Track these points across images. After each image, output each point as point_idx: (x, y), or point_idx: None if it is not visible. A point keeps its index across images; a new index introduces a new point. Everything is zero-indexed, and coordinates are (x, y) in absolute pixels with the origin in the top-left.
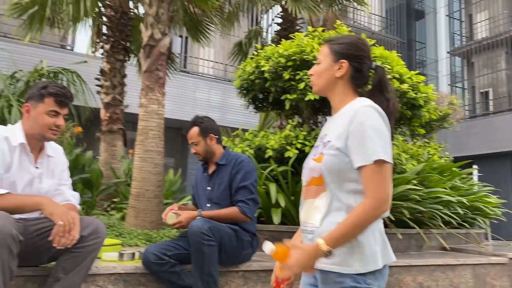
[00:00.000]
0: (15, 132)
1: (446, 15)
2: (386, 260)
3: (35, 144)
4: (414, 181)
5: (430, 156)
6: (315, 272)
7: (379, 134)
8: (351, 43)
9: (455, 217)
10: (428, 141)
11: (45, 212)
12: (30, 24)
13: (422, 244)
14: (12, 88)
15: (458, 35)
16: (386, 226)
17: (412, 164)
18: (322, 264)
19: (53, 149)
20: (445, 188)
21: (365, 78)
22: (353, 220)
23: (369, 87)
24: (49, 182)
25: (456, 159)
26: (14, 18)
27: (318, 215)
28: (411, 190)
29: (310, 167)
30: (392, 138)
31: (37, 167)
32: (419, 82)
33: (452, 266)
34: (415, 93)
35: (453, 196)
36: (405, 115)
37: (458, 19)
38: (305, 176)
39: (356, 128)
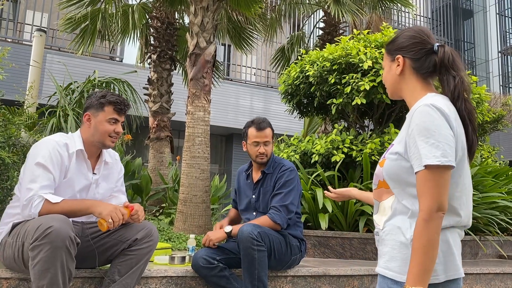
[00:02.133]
0: (74, 139)
1: (497, 13)
2: (451, 274)
3: (93, 151)
4: None
5: (483, 159)
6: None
7: (435, 136)
8: (401, 35)
9: None
10: (481, 144)
11: (95, 213)
12: (82, 38)
13: (478, 251)
14: (67, 98)
15: (511, 33)
16: None
17: None
18: (380, 267)
19: (111, 155)
20: (502, 193)
21: (428, 64)
22: (416, 244)
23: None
24: (105, 187)
25: (511, 163)
26: (68, 33)
27: (384, 218)
28: None
29: (375, 172)
30: (471, 117)
31: (94, 173)
32: (471, 83)
33: None
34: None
35: (511, 201)
36: None
37: (510, 17)
38: (374, 180)
39: (412, 131)
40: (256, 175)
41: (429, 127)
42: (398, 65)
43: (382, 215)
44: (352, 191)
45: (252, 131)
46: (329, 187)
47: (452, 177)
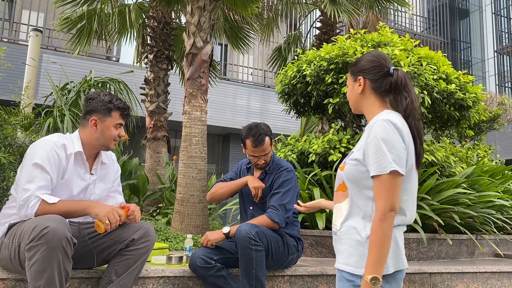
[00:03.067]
0: (72, 141)
1: (493, 13)
2: (398, 266)
3: (92, 152)
4: (464, 185)
5: (479, 158)
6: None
7: (389, 147)
8: (363, 59)
9: (510, 222)
10: (477, 143)
11: (91, 214)
12: (79, 38)
13: (474, 250)
14: (64, 98)
15: (506, 33)
16: (435, 231)
17: (461, 167)
18: (339, 263)
19: (107, 156)
20: (498, 192)
21: (385, 85)
22: (372, 239)
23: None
24: (102, 187)
25: (507, 162)
26: (64, 33)
27: (340, 219)
28: (461, 194)
29: (337, 175)
30: (419, 133)
31: (92, 174)
32: (467, 82)
33: (508, 274)
34: (463, 94)
35: (507, 200)
36: (453, 117)
37: (505, 17)
38: (335, 183)
39: (371, 141)
40: (257, 173)
41: (385, 139)
42: (359, 85)
43: (339, 216)
44: (322, 202)
45: (249, 144)
46: (299, 201)
47: (402, 182)
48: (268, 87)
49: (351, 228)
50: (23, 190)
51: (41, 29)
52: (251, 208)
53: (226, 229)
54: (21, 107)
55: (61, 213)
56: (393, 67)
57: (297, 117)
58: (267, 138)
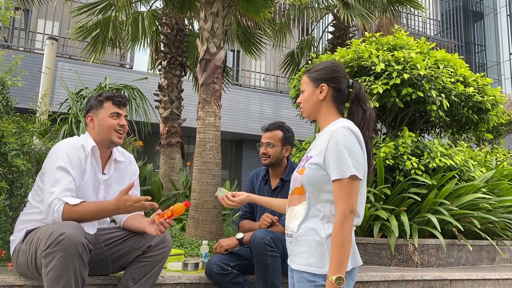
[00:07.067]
0: (87, 139)
1: (508, 15)
2: (355, 263)
3: (103, 152)
4: (484, 189)
5: (498, 162)
6: (292, 272)
7: (350, 152)
8: (326, 67)
9: None
10: (496, 146)
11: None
12: (94, 46)
13: (495, 256)
14: (79, 105)
15: None
16: (454, 237)
17: (480, 171)
18: (298, 265)
19: (124, 156)
20: None
21: (345, 96)
22: (335, 240)
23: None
24: (118, 188)
25: None
26: (79, 41)
27: (297, 221)
28: (481, 199)
29: (294, 178)
30: (371, 144)
31: (104, 173)
32: (486, 85)
33: None
34: (482, 96)
35: None
36: (471, 120)
37: None
38: (291, 186)
39: (331, 147)
40: (274, 182)
41: (347, 145)
42: (321, 92)
43: (294, 218)
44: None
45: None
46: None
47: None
48: (281, 92)
49: (310, 229)
50: (48, 194)
51: (56, 37)
52: None
53: (239, 235)
54: (37, 115)
55: (84, 214)
56: (352, 80)
57: (311, 122)
58: (278, 131)
